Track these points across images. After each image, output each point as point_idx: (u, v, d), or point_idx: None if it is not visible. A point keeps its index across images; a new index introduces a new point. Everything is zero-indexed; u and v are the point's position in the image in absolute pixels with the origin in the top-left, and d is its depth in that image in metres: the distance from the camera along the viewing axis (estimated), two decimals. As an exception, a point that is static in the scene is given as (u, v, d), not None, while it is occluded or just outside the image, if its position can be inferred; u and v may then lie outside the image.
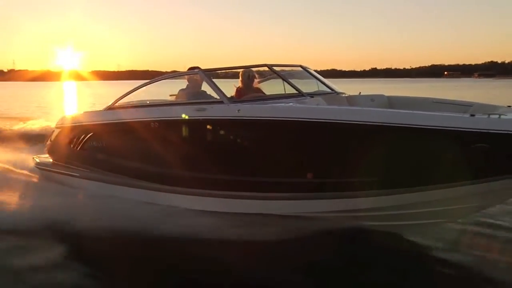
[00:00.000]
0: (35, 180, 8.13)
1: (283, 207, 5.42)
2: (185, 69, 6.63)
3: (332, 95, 6.28)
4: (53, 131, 8.19)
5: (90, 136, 7.06)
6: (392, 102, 6.22)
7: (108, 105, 7.03)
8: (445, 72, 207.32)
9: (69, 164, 7.56)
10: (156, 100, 6.84)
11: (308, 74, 6.65)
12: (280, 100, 5.64)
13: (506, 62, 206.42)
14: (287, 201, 5.36)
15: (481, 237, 5.63)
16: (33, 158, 8.58)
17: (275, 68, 6.22)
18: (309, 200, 5.25)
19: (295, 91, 5.91)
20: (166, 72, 8.01)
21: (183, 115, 5.67)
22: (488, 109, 4.99)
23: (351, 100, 6.22)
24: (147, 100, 6.83)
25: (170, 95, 6.77)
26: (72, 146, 7.42)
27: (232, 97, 5.94)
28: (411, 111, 4.57)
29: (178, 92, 6.53)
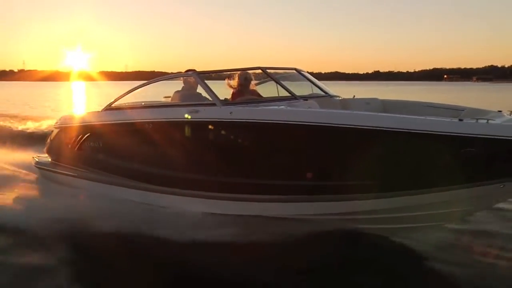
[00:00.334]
0: (33, 179, 8.09)
1: (274, 209, 5.34)
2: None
3: (326, 98, 6.18)
4: (52, 130, 8.17)
5: (88, 136, 7.00)
6: (386, 105, 6.12)
7: (105, 106, 6.95)
8: (445, 76, 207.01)
9: (67, 164, 7.51)
10: (151, 101, 6.78)
11: (303, 77, 6.55)
12: (273, 103, 5.58)
13: (506, 66, 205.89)
14: (279, 203, 5.27)
15: (475, 239, 5.59)
16: (33, 157, 8.56)
17: (269, 71, 6.15)
18: (301, 202, 5.17)
19: (289, 94, 5.81)
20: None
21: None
22: (479, 113, 4.90)
23: (345, 103, 6.11)
24: (143, 102, 6.77)
25: (165, 97, 6.70)
26: (70, 146, 7.37)
27: (226, 99, 5.85)
28: (399, 115, 4.50)
29: (173, 94, 6.47)
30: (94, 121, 6.94)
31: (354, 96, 6.56)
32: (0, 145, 10.81)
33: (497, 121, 4.27)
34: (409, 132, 4.21)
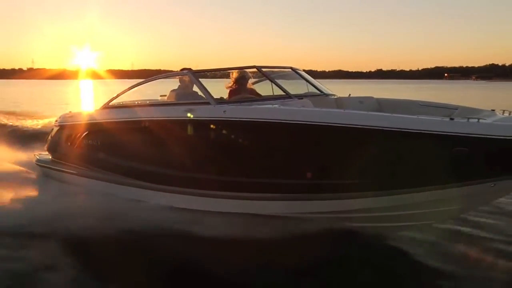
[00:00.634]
0: (34, 176, 8.06)
1: (267, 208, 5.25)
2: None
3: (321, 97, 6.10)
4: (53, 128, 8.13)
5: (86, 134, 6.97)
6: (381, 104, 6.02)
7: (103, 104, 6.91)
8: (446, 74, 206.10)
9: (67, 161, 7.47)
10: (147, 100, 6.74)
11: (298, 76, 6.46)
12: (266, 102, 5.50)
13: (507, 65, 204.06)
14: (272, 201, 5.19)
15: (468, 238, 5.53)
16: (34, 155, 8.55)
17: (265, 70, 6.07)
18: (293, 201, 5.09)
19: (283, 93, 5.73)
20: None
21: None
22: (472, 112, 4.82)
23: (340, 102, 6.01)
24: (139, 100, 6.73)
25: (161, 96, 6.64)
26: (69, 144, 7.35)
27: (222, 98, 5.78)
28: (389, 114, 4.43)
29: (169, 93, 6.40)
30: (91, 119, 6.92)
31: (349, 94, 6.47)
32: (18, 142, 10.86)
33: (488, 120, 4.19)
34: (400, 131, 4.14)
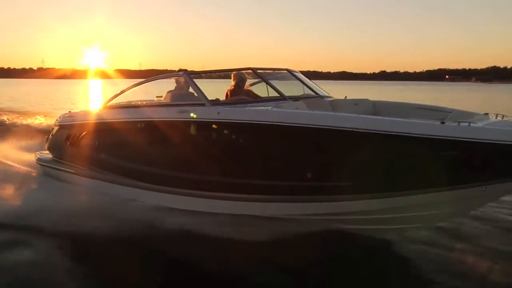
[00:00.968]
0: (34, 175, 8.01)
1: (262, 209, 5.16)
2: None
3: (316, 99, 6.00)
4: (53, 128, 8.09)
5: (84, 134, 6.93)
6: (376, 106, 5.92)
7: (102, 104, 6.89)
8: (446, 76, 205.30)
9: (67, 161, 7.44)
10: (144, 100, 6.65)
11: (294, 78, 6.37)
12: (261, 104, 5.43)
13: (508, 67, 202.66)
14: (266, 203, 5.08)
15: (462, 239, 5.40)
16: (35, 154, 8.50)
17: (259, 71, 6.00)
18: (286, 203, 4.99)
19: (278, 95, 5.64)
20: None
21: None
22: (465, 116, 4.72)
23: (335, 104, 5.90)
24: (135, 101, 6.65)
25: (157, 97, 6.55)
26: (68, 143, 7.32)
27: (217, 99, 5.70)
28: (379, 117, 4.36)
29: (166, 94, 6.32)
30: (89, 119, 6.88)
31: (345, 96, 6.36)
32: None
33: (480, 124, 4.07)
34: (390, 134, 4.04)
